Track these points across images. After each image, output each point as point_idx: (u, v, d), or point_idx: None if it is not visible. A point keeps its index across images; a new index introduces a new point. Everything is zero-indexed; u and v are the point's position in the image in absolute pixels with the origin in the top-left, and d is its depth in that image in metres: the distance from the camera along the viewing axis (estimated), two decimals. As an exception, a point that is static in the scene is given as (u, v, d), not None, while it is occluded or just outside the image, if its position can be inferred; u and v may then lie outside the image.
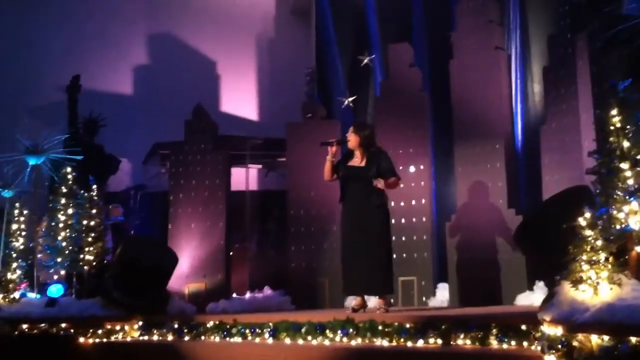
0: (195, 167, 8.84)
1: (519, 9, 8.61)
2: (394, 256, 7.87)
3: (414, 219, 8.02)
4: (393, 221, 7.94)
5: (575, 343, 3.54)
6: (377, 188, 6.10)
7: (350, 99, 9.56)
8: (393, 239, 7.88)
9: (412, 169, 8.11)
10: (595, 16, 6.47)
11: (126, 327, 6.53)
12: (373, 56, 9.63)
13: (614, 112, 3.96)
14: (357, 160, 6.29)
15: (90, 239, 7.08)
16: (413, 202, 8.07)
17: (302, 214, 8.59)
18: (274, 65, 12.08)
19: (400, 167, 8.04)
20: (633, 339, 3.30)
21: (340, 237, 6.47)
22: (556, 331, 3.71)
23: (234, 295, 8.26)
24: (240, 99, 11.97)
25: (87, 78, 9.54)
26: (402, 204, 8.11)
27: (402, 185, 7.81)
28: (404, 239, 8.05)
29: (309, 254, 8.48)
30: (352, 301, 6.44)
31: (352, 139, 6.26)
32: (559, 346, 3.62)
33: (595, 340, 3.47)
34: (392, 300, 7.81)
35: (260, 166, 11.13)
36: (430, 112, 8.35)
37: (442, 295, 7.66)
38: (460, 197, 7.86)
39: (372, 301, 6.86)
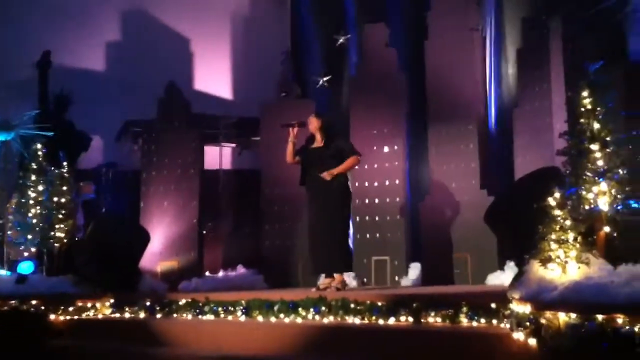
0: (168, 145, 8.77)
1: (494, -10, 8.62)
2: (367, 236, 8.02)
3: (387, 199, 8.06)
4: (366, 201, 8.07)
5: (543, 321, 3.59)
6: (333, 163, 6.25)
7: (325, 79, 9.55)
8: (366, 218, 8.04)
9: (386, 149, 8.14)
10: (569, -1, 6.53)
11: (97, 305, 6.51)
12: (349, 36, 9.61)
13: (585, 94, 4.00)
14: (317, 143, 6.43)
15: (60, 216, 7.02)
16: (387, 182, 8.09)
17: (276, 193, 8.60)
18: (249, 44, 11.97)
19: (375, 147, 8.11)
20: (599, 317, 3.36)
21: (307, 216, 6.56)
22: (525, 309, 3.76)
23: (207, 273, 8.25)
24: (214, 77, 11.85)
25: (59, 54, 9.40)
26: (375, 184, 8.15)
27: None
28: (377, 218, 8.09)
29: (283, 233, 8.50)
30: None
31: (313, 122, 6.40)
32: (527, 324, 3.67)
33: (563, 318, 3.52)
34: (365, 280, 7.89)
35: (234, 145, 11.07)
36: (404, 92, 8.36)
37: (415, 274, 7.72)
38: (434, 178, 7.91)
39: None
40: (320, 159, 6.31)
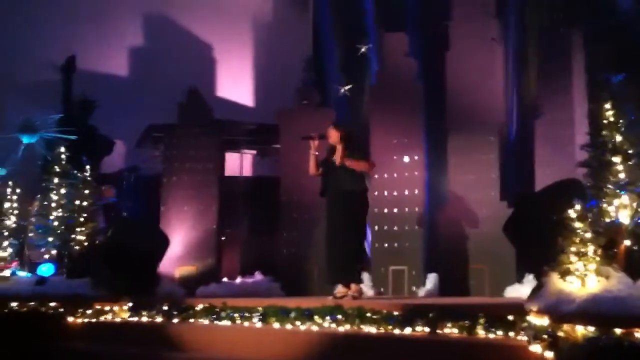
0: (189, 150, 8.83)
1: (515, 1, 8.59)
2: (385, 245, 8.01)
3: (406, 209, 8.03)
4: (385, 210, 8.05)
5: (560, 333, 3.57)
6: (353, 172, 6.31)
7: (346, 87, 9.55)
8: (385, 228, 8.02)
9: (406, 158, 8.11)
10: (590, 9, 6.49)
11: (115, 308, 6.53)
12: (370, 45, 9.61)
13: (607, 105, 3.98)
14: (337, 155, 6.44)
15: (82, 219, 7.07)
16: (406, 192, 8.07)
17: (294, 201, 8.60)
18: (271, 51, 12.03)
19: (394, 157, 8.11)
20: (617, 330, 3.34)
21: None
22: (542, 321, 3.74)
23: (225, 279, 8.26)
24: (235, 83, 11.92)
25: (82, 58, 9.49)
26: (395, 193, 8.12)
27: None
28: (395, 228, 8.06)
29: (300, 240, 8.50)
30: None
31: (332, 134, 6.43)
32: (545, 336, 3.65)
33: (581, 330, 3.50)
34: (382, 289, 7.87)
35: (254, 152, 11.11)
36: (424, 102, 8.35)
37: (432, 285, 7.68)
38: (453, 188, 7.88)
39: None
40: (339, 169, 6.33)
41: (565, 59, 7.22)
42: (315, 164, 6.53)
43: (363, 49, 9.51)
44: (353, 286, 6.25)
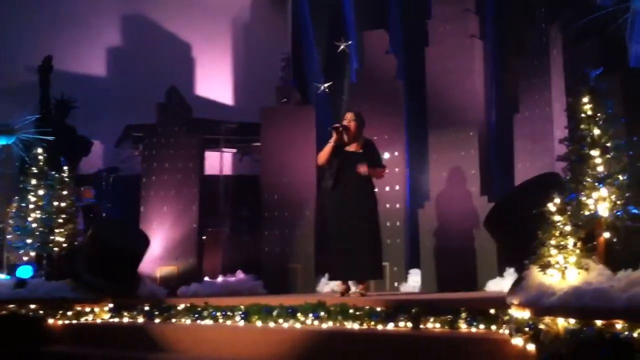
0: (169, 150, 8.75)
1: (494, -3, 8.66)
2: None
3: (387, 205, 8.03)
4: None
5: (542, 326, 3.60)
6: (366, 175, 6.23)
7: (326, 85, 9.56)
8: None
9: (386, 155, 8.11)
10: (568, 6, 6.54)
11: (96, 309, 6.49)
12: (349, 42, 9.63)
13: (585, 99, 4.01)
14: (352, 147, 6.38)
15: (61, 221, 7.00)
16: (387, 188, 8.07)
17: (276, 199, 8.57)
18: (250, 49, 12.01)
19: (376, 153, 8.10)
20: (598, 322, 3.36)
21: (329, 221, 6.47)
22: (524, 314, 3.77)
23: (206, 278, 8.23)
24: (215, 82, 11.88)
25: (59, 59, 9.39)
26: (376, 190, 8.11)
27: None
28: (377, 224, 8.06)
29: (282, 239, 8.46)
30: (325, 286, 6.47)
31: (352, 126, 6.36)
32: (526, 329, 3.68)
33: (562, 323, 3.53)
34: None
35: (234, 150, 11.08)
36: (405, 99, 8.36)
37: (414, 280, 7.71)
38: (434, 184, 7.90)
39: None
40: (357, 163, 6.26)
41: (543, 55, 7.26)
42: (331, 155, 6.39)
43: (343, 47, 9.51)
44: (362, 283, 6.22)
